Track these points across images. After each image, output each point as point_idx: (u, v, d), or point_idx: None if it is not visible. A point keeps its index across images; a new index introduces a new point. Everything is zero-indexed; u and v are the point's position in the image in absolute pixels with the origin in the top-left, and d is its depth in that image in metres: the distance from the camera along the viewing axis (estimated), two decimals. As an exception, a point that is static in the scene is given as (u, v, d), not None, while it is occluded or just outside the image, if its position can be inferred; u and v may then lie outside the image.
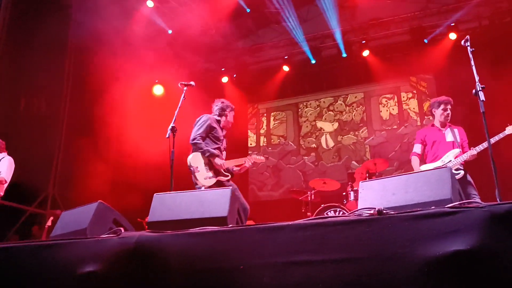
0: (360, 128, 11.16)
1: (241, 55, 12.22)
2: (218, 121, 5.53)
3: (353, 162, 10.88)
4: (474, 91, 4.05)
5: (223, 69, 12.10)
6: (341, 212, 7.42)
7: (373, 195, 3.00)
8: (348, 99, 11.53)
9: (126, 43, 10.00)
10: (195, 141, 5.24)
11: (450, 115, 5.61)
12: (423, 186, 2.88)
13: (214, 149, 5.29)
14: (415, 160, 5.63)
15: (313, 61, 11.42)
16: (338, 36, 10.96)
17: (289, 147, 11.79)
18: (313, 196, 8.30)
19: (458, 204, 2.53)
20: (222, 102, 5.64)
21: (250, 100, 12.47)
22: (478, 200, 4.80)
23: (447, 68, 9.82)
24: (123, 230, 3.10)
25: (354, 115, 11.33)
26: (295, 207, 8.83)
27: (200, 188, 5.05)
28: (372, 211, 2.54)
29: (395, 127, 10.86)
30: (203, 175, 5.12)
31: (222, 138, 5.50)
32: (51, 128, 10.07)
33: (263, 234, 2.62)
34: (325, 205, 7.73)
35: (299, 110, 12.00)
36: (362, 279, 2.33)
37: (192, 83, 5.31)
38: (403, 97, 10.98)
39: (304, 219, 2.70)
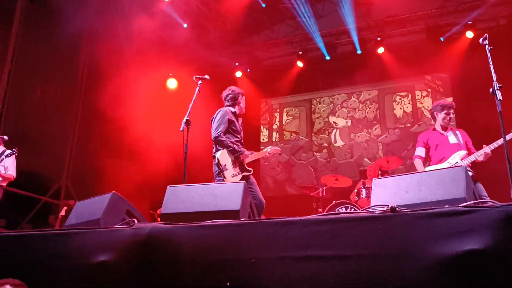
0: (373, 126, 11.10)
1: (255, 50, 12.20)
2: (234, 112, 5.44)
3: (366, 159, 10.83)
4: (491, 90, 4.02)
5: (237, 64, 12.10)
6: (353, 209, 7.40)
7: (386, 193, 2.99)
8: (361, 96, 11.47)
9: (141, 36, 10.04)
10: (218, 138, 5.12)
11: (452, 120, 5.61)
12: (436, 185, 2.86)
13: (235, 142, 5.25)
14: (418, 163, 5.60)
15: (328, 57, 11.37)
16: (354, 33, 10.89)
17: (301, 143, 11.77)
18: (324, 192, 8.29)
19: (473, 203, 2.50)
20: (232, 91, 5.55)
21: (263, 95, 12.45)
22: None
23: (463, 67, 9.72)
24: (136, 221, 3.13)
25: (368, 112, 11.27)
26: (306, 203, 8.82)
27: None
28: (385, 208, 2.53)
29: (408, 125, 10.79)
30: (231, 173, 5.08)
31: (240, 129, 5.45)
32: (65, 119, 10.17)
33: (275, 228, 2.63)
34: (336, 201, 7.71)
35: (312, 106, 11.97)
36: (373, 276, 2.32)
37: (207, 76, 5.31)
38: (418, 95, 10.90)
39: (316, 214, 2.70)
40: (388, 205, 2.52)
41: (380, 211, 2.53)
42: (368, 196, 7.44)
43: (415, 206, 2.63)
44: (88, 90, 10.33)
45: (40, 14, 9.19)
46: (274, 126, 12.30)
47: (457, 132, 5.57)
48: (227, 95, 5.56)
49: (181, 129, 4.87)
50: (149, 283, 2.74)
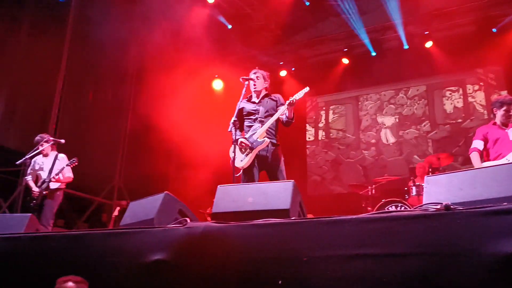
0: (422, 122, 10.84)
1: (300, 48, 12.18)
2: (246, 95, 5.32)
3: (415, 156, 10.59)
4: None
5: (281, 63, 12.11)
6: (403, 207, 7.26)
7: (439, 190, 2.92)
8: (409, 92, 11.22)
9: (187, 38, 10.24)
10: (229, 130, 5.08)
11: None
12: (492, 182, 2.76)
13: (248, 126, 5.15)
14: (475, 156, 5.37)
15: (374, 54, 11.21)
16: (400, 28, 10.68)
17: (349, 140, 11.65)
18: (373, 190, 8.17)
19: (533, 200, 2.42)
20: (243, 78, 5.34)
21: (308, 94, 12.30)
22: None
23: (518, 59, 9.34)
24: (188, 220, 3.21)
25: (416, 108, 11.01)
26: (354, 202, 8.74)
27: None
28: (438, 206, 2.48)
29: (459, 120, 10.47)
30: (239, 160, 5.02)
31: (253, 110, 5.25)
32: (116, 120, 10.50)
33: (326, 227, 2.64)
34: (386, 200, 7.59)
35: (359, 103, 11.81)
36: (427, 275, 2.30)
37: (253, 76, 5.36)
38: (469, 89, 10.55)
39: (366, 213, 2.69)
40: (441, 203, 2.47)
41: (434, 209, 2.49)
42: (419, 194, 7.29)
43: (470, 204, 2.56)
44: (137, 92, 10.62)
45: (89, 21, 9.53)
46: (320, 125, 12.23)
47: None
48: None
49: (229, 129, 4.95)
50: (202, 281, 2.81)
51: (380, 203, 7.58)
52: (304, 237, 2.64)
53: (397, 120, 11.13)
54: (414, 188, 7.49)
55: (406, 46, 10.79)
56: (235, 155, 4.91)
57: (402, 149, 10.84)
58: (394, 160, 10.84)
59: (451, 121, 10.53)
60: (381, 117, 11.36)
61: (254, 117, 5.21)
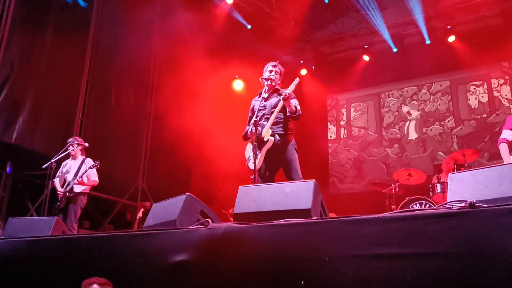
0: (446, 118, 10.66)
1: (320, 45, 12.12)
2: (260, 93, 5.31)
3: (440, 153, 10.43)
4: None
5: (301, 62, 12.06)
6: (428, 205, 7.15)
7: (464, 188, 2.85)
8: (432, 88, 11.05)
9: (207, 39, 10.28)
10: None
11: None
12: (520, 178, 2.70)
13: (258, 124, 5.03)
14: (504, 147, 5.09)
15: (395, 50, 11.08)
16: (421, 23, 10.52)
17: (371, 138, 11.53)
18: (397, 188, 8.06)
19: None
20: (262, 79, 5.31)
21: (329, 92, 12.33)
22: None
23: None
24: (210, 221, 3.22)
25: (439, 104, 10.84)
26: (378, 200, 8.64)
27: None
28: (463, 204, 2.43)
29: (485, 115, 10.26)
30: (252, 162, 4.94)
31: (261, 107, 5.17)
32: (139, 122, 10.60)
33: (348, 226, 2.61)
34: (410, 197, 7.48)
35: (381, 100, 11.69)
36: (451, 275, 2.25)
37: (272, 77, 5.33)
38: (494, 83, 10.33)
39: (390, 211, 2.65)
40: (466, 201, 2.42)
41: (458, 207, 2.44)
42: (444, 191, 7.17)
43: (496, 202, 2.49)
44: (158, 94, 10.70)
45: (111, 25, 9.65)
46: (342, 123, 12.14)
47: None
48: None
49: (249, 130, 4.94)
50: (224, 281, 2.81)
51: (404, 201, 7.48)
52: (326, 236, 2.62)
53: (419, 116, 10.98)
54: (438, 185, 7.37)
55: (428, 41, 10.64)
56: (255, 155, 4.85)
57: (426, 146, 10.68)
58: (418, 157, 10.69)
59: (476, 116, 10.34)
60: (407, 110, 11.19)
61: (261, 114, 5.15)
